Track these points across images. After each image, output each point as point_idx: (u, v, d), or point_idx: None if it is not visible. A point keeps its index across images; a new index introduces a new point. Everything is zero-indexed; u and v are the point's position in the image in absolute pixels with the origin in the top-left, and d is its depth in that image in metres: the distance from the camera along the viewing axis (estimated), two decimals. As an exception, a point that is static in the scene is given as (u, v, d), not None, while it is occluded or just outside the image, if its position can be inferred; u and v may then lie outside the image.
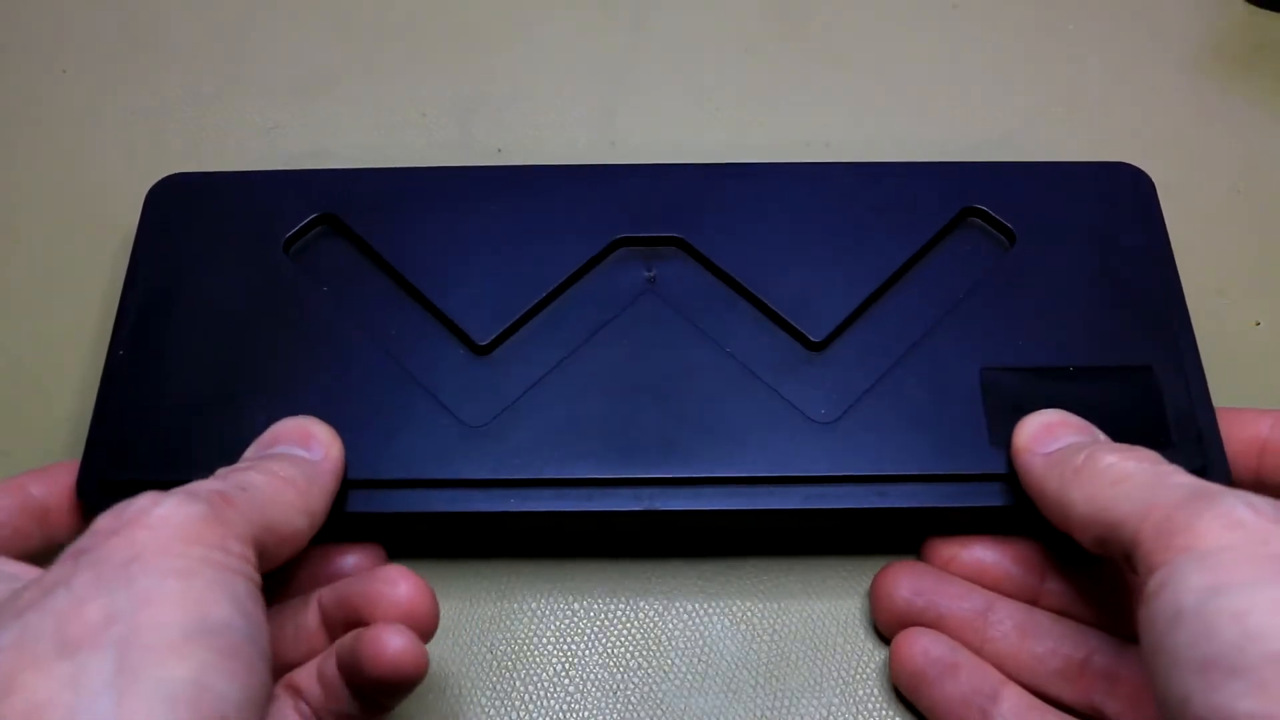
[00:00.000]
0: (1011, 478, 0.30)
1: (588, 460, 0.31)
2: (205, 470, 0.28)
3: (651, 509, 0.30)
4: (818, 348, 0.33)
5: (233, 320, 0.33)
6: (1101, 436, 0.29)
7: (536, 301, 0.33)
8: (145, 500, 0.24)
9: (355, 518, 0.30)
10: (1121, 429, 0.30)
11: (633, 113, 0.43)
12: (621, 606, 0.32)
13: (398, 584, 0.27)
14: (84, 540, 0.23)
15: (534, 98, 0.43)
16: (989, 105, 0.43)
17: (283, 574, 0.30)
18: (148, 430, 0.31)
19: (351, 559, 0.30)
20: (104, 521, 0.24)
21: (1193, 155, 0.41)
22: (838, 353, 0.33)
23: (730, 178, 0.36)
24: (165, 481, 0.30)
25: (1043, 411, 0.30)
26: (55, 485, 0.31)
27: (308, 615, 0.28)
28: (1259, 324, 0.37)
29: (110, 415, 0.32)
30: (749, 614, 0.32)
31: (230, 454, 0.29)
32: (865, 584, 0.32)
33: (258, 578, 0.24)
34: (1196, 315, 0.33)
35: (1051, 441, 0.29)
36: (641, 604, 0.32)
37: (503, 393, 0.32)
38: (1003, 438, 0.31)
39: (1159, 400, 0.31)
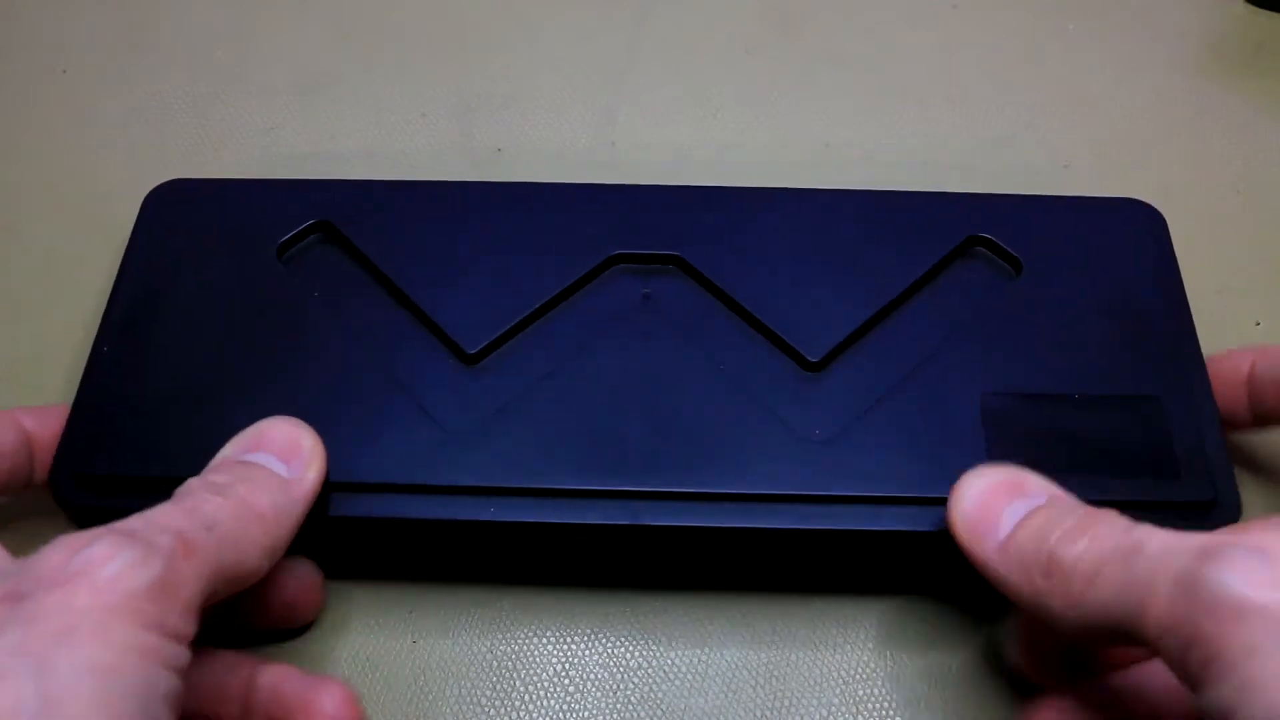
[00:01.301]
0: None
1: (573, 471, 0.30)
2: (181, 468, 0.28)
3: (638, 524, 0.30)
4: (815, 368, 0.32)
5: (221, 321, 0.33)
6: (1032, 484, 0.27)
7: (528, 314, 0.33)
8: (99, 551, 0.23)
9: (334, 522, 0.30)
10: (1128, 459, 0.30)
11: (633, 113, 0.43)
12: (621, 607, 0.32)
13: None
14: (26, 579, 0.23)
15: (534, 98, 0.43)
16: (989, 106, 0.43)
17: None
18: (126, 425, 0.31)
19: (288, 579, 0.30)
20: (52, 559, 0.23)
21: (1193, 155, 0.41)
22: (835, 374, 0.32)
23: (731, 200, 0.35)
24: (140, 478, 0.30)
25: (967, 482, 0.27)
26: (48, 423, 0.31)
27: (234, 684, 0.28)
28: (1259, 324, 0.37)
29: (89, 409, 0.31)
30: (749, 614, 0.32)
31: (209, 452, 0.29)
32: (865, 584, 0.32)
33: (187, 656, 0.24)
34: (1196, 314, 0.33)
35: (995, 524, 0.26)
36: (641, 604, 0.32)
37: (489, 401, 0.32)
38: (1009, 462, 0.30)
39: (1167, 431, 0.31)
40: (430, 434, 0.31)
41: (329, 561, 0.32)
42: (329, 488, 0.30)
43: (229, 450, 0.29)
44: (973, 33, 0.45)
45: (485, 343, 0.32)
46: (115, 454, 0.31)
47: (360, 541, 0.31)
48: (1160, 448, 0.30)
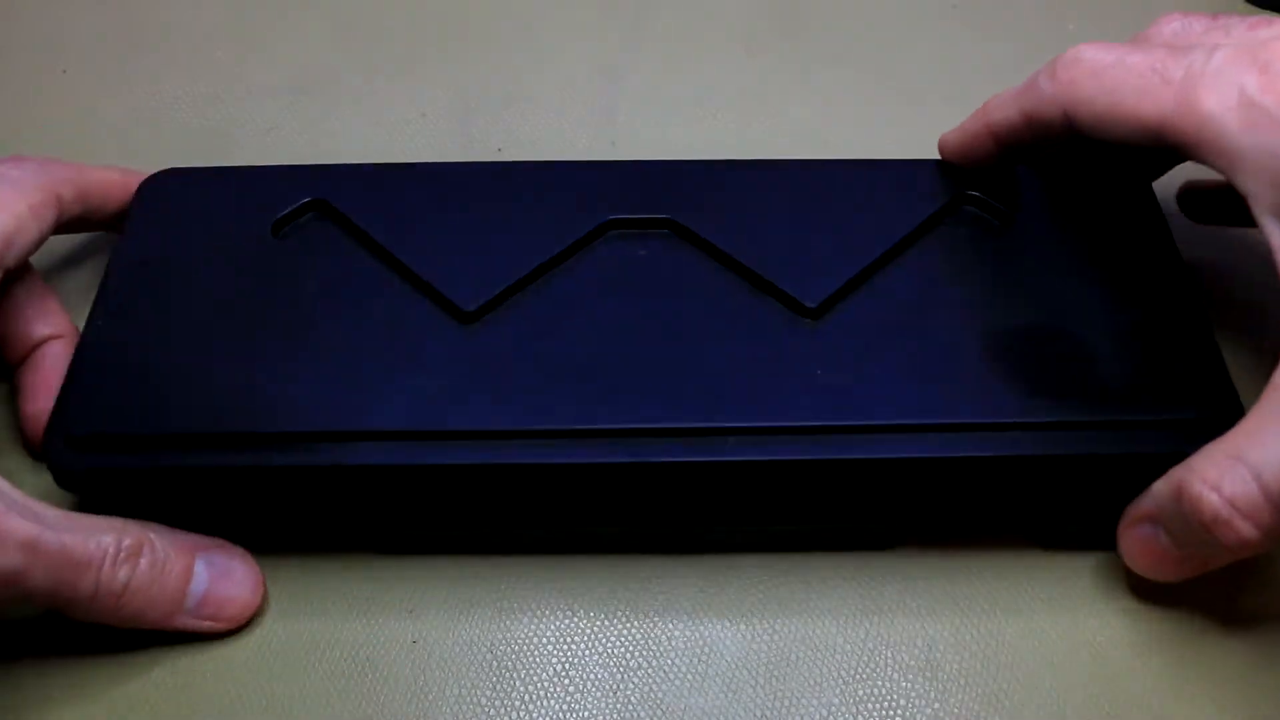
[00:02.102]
0: (1019, 426, 0.30)
1: (579, 413, 0.30)
2: (177, 423, 0.29)
3: (643, 460, 0.30)
4: (814, 315, 0.32)
5: (215, 292, 0.33)
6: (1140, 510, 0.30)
7: (524, 274, 0.33)
8: None
9: (342, 471, 0.30)
10: (1130, 384, 0.30)
11: (633, 113, 0.43)
12: (621, 607, 0.32)
13: None
14: None
15: (534, 98, 0.43)
16: (989, 105, 0.43)
17: None
18: (121, 391, 0.31)
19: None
20: None
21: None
22: (834, 320, 0.32)
23: (723, 170, 0.36)
24: (135, 436, 0.30)
25: (1126, 536, 0.30)
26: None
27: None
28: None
29: (84, 377, 0.31)
30: (749, 614, 0.32)
31: (202, 412, 0.29)
32: (866, 583, 0.32)
33: None
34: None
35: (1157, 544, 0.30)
36: (641, 604, 0.32)
37: (490, 355, 0.32)
38: (1012, 387, 0.31)
39: (1165, 353, 0.31)
40: (431, 384, 0.31)
41: (335, 526, 0.32)
42: (325, 437, 0.30)
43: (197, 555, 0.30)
44: (973, 33, 0.45)
45: (483, 301, 0.32)
46: (110, 416, 0.30)
47: (368, 494, 0.31)
48: (1160, 370, 0.31)
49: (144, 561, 0.29)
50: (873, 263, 0.33)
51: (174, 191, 0.36)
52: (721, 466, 0.30)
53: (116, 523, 0.29)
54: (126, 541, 0.29)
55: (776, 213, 0.35)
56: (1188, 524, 0.28)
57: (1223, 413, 0.30)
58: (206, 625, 0.30)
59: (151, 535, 0.29)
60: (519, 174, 0.36)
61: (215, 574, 0.30)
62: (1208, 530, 0.27)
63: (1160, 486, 0.29)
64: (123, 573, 0.28)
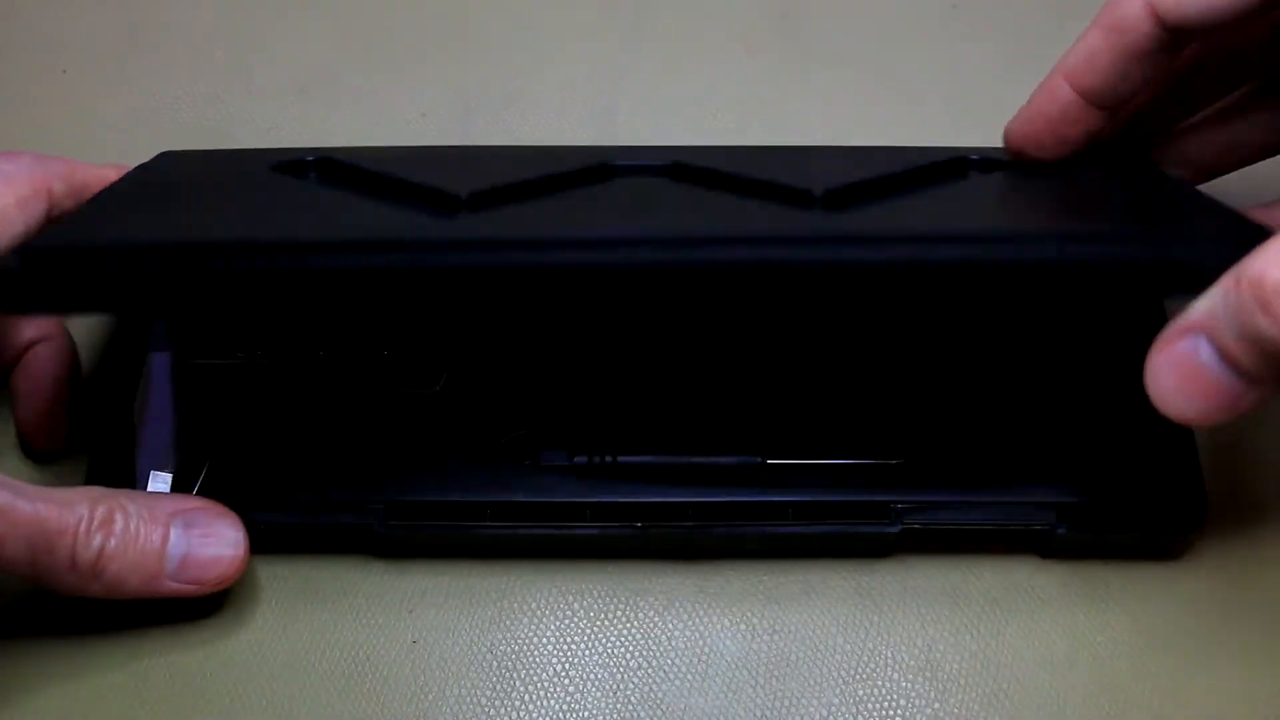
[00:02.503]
0: (1046, 235, 0.29)
1: (572, 227, 0.29)
2: (145, 236, 0.28)
3: (644, 263, 0.28)
4: (824, 203, 0.31)
5: (210, 198, 0.33)
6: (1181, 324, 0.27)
7: (524, 180, 0.32)
8: None
9: (322, 275, 0.28)
10: (1166, 223, 0.30)
11: (633, 113, 0.43)
12: (621, 606, 0.32)
13: None
14: None
15: (534, 98, 0.43)
16: (989, 105, 0.42)
17: None
18: (90, 231, 0.30)
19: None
20: None
21: (1193, 155, 0.41)
22: (845, 207, 0.31)
23: (726, 152, 0.36)
24: (94, 248, 0.29)
25: (1152, 378, 0.27)
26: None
27: None
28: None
29: (55, 229, 0.30)
30: (749, 614, 0.32)
31: (173, 230, 0.29)
32: (865, 583, 0.32)
33: None
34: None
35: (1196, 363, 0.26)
36: (641, 604, 0.32)
37: (486, 227, 0.30)
38: (1036, 217, 0.31)
39: (1190, 214, 0.30)
40: (417, 228, 0.30)
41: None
42: (330, 248, 0.28)
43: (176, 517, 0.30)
44: (973, 33, 0.45)
45: (478, 189, 0.31)
46: (74, 238, 0.29)
47: (339, 305, 0.29)
48: (1189, 218, 0.30)
49: (118, 527, 0.29)
50: (881, 177, 0.33)
51: (175, 165, 0.36)
52: (725, 270, 0.28)
53: (92, 492, 0.29)
54: (100, 509, 0.29)
55: (783, 165, 0.34)
56: (1238, 316, 0.25)
57: (1254, 240, 0.28)
58: (192, 589, 0.30)
59: (125, 501, 0.29)
60: (524, 152, 0.36)
61: (196, 536, 0.30)
62: (1266, 310, 0.24)
63: (1205, 295, 0.26)
64: (97, 539, 0.28)
